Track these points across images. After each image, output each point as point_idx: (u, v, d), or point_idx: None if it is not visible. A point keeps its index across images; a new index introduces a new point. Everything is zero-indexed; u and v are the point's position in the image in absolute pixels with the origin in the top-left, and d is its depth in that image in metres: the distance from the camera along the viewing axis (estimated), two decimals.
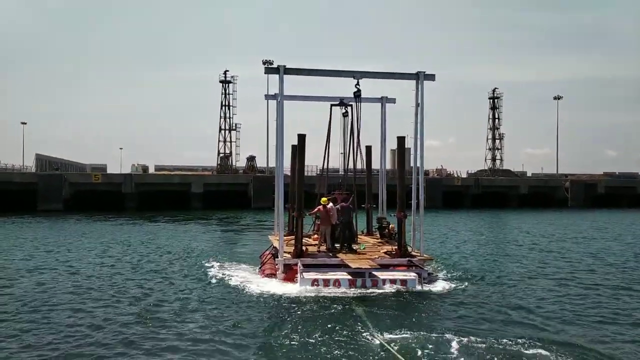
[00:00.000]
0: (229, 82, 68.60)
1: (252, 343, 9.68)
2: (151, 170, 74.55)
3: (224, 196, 51.44)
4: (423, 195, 15.76)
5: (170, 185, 51.46)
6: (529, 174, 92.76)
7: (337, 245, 16.54)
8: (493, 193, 60.73)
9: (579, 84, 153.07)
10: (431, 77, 16.04)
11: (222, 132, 69.74)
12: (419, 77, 15.85)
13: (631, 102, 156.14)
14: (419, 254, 15.58)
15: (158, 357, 8.93)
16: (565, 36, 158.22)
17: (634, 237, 28.76)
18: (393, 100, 19.99)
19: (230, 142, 70.06)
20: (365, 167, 20.67)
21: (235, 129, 70.08)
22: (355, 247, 16.57)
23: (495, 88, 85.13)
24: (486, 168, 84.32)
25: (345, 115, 18.59)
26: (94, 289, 14.07)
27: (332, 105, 18.89)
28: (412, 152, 16.39)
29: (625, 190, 65.64)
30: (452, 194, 58.23)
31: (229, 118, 69.61)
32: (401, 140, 16.42)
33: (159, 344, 9.50)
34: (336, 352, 9.10)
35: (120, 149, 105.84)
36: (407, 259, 15.16)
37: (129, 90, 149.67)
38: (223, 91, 68.97)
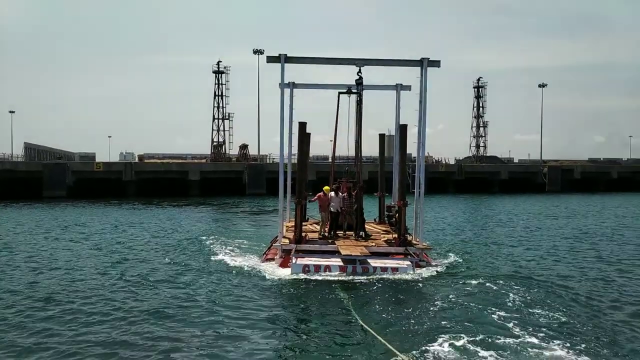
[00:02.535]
0: (222, 72, 70.58)
1: (233, 324, 9.87)
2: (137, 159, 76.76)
3: (219, 183, 53.89)
4: (424, 183, 15.43)
5: (168, 173, 53.77)
6: (515, 160, 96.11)
7: (340, 232, 16.78)
8: (476, 179, 63.68)
9: (568, 70, 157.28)
10: (436, 64, 15.31)
11: (216, 121, 71.91)
12: (423, 64, 15.22)
13: (621, 87, 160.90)
14: (418, 243, 15.40)
15: (124, 332, 9.50)
16: (556, 22, 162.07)
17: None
18: (408, 88, 18.86)
19: (224, 130, 72.30)
20: (379, 155, 20.93)
21: (228, 118, 72.26)
22: (361, 234, 16.62)
23: (480, 77, 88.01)
24: (470, 155, 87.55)
25: (359, 102, 17.90)
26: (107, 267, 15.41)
27: (339, 93, 18.76)
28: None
29: (600, 175, 69.21)
30: (436, 180, 61.06)
31: (222, 107, 71.74)
32: (403, 128, 16.32)
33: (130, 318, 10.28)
34: (317, 336, 9.32)
35: (109, 137, 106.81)
36: (404, 247, 15.01)
37: (114, 78, 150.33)
38: (216, 81, 70.99)
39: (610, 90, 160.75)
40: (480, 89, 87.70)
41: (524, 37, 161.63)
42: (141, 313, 10.60)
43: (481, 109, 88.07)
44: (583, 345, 8.71)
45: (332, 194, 16.68)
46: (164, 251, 18.29)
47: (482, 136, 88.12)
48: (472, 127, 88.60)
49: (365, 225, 17.30)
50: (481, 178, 64.54)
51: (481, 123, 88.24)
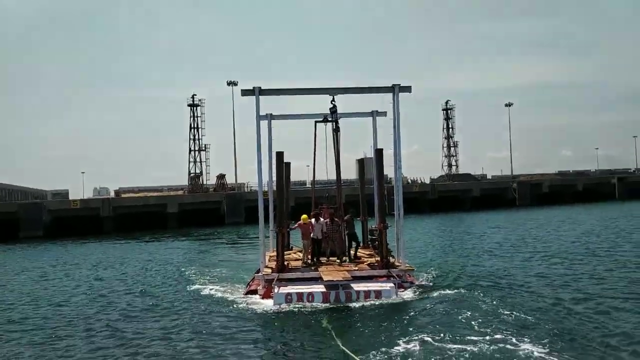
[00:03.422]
0: (197, 105, 71.52)
1: (214, 358, 9.98)
2: (113, 194, 76.47)
3: (198, 214, 54.00)
4: (402, 205, 15.79)
5: (146, 207, 53.71)
6: (489, 177, 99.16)
7: (323, 259, 16.76)
8: (448, 197, 65.28)
9: (536, 89, 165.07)
10: (407, 89, 15.84)
11: (192, 153, 72.40)
12: (395, 90, 15.67)
13: (587, 103, 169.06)
14: (400, 264, 15.55)
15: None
16: (526, 43, 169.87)
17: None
18: (384, 114, 19.07)
19: (200, 162, 72.75)
20: (358, 178, 21.05)
21: (204, 150, 72.86)
22: (344, 259, 16.77)
23: (448, 100, 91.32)
24: (443, 174, 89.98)
25: (336, 130, 18.27)
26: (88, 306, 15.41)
27: (316, 122, 19.21)
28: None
29: (566, 188, 72.02)
30: (411, 200, 62.41)
31: (199, 139, 72.37)
32: (379, 152, 16.69)
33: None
34: None
35: (82, 173, 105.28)
36: (386, 269, 15.07)
37: (84, 112, 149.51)
38: (191, 114, 71.77)
39: (577, 106, 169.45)
40: (449, 111, 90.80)
41: (496, 58, 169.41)
42: (121, 349, 10.87)
43: (451, 129, 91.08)
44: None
45: (313, 220, 16.76)
46: (145, 286, 18.46)
47: (453, 155, 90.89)
48: (443, 147, 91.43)
49: (351, 251, 17.46)
50: (454, 196, 66.25)
51: (452, 143, 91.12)
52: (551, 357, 9.05)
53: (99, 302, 15.88)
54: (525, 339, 9.91)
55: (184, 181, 75.38)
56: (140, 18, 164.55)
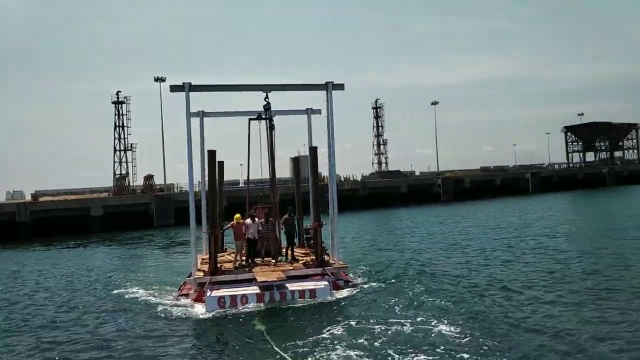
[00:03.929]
0: (122, 102, 68.33)
1: None
2: (28, 197, 71.60)
3: (125, 217, 51.74)
4: (336, 203, 15.98)
5: (68, 211, 50.72)
6: (417, 173, 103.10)
7: (257, 259, 16.51)
8: (378, 194, 67.30)
9: (463, 87, 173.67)
10: (340, 87, 15.99)
11: (118, 152, 69.14)
12: (328, 87, 15.79)
13: (504, 101, 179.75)
14: (335, 262, 15.63)
15: None
16: (456, 42, 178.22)
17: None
18: (318, 111, 18.98)
19: (127, 162, 69.66)
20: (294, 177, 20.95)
21: (131, 149, 69.82)
22: (280, 258, 16.69)
23: (377, 99, 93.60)
24: (374, 171, 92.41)
25: (271, 128, 18.07)
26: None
27: (250, 119, 18.84)
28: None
29: (486, 184, 76.90)
30: (343, 198, 63.38)
31: (124, 138, 69.24)
32: (313, 150, 16.66)
33: None
34: None
35: None
36: (321, 268, 15.12)
37: None
38: (116, 112, 68.47)
39: (497, 103, 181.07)
40: (378, 110, 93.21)
41: (426, 56, 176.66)
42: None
43: (380, 127, 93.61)
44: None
45: (249, 220, 16.57)
46: (67, 294, 17.44)
47: (382, 153, 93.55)
48: (373, 145, 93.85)
49: (287, 250, 17.22)
50: (383, 193, 68.40)
51: (381, 141, 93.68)
52: (464, 335, 10.11)
53: (12, 313, 14.92)
54: (443, 321, 11.03)
55: (109, 182, 71.85)
56: (60, 8, 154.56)
